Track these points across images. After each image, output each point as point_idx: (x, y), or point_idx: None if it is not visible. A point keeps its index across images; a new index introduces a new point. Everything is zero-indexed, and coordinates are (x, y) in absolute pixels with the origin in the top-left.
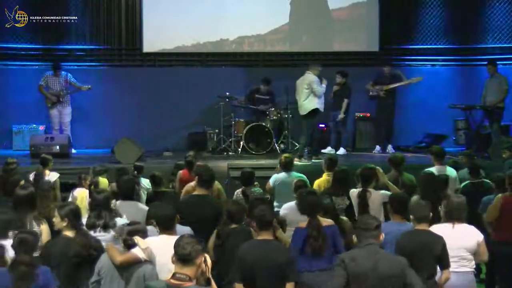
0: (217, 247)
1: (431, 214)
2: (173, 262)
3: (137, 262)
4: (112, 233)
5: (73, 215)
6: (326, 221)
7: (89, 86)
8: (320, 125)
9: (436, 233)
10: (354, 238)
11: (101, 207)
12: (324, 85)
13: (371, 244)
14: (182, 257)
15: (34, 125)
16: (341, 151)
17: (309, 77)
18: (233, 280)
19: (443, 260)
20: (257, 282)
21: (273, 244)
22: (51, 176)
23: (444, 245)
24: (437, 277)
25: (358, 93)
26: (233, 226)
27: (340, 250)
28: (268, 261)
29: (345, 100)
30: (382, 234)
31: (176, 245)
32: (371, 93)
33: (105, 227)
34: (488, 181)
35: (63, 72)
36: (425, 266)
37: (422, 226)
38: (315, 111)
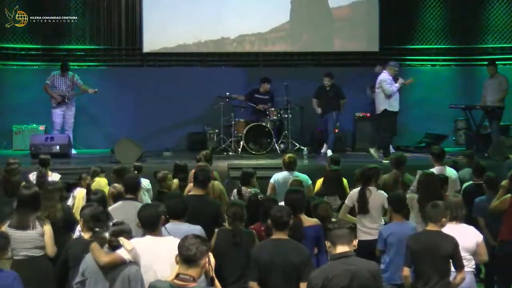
0: (231, 248)
1: (446, 216)
2: (177, 262)
3: (122, 263)
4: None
5: (90, 217)
6: (309, 221)
7: (96, 90)
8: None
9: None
10: (327, 243)
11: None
12: (397, 85)
13: (345, 257)
14: (187, 258)
15: (34, 125)
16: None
17: (382, 76)
18: (248, 278)
19: (456, 261)
20: (272, 281)
21: (289, 243)
22: (53, 177)
23: (456, 245)
24: (451, 278)
25: (358, 93)
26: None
27: (322, 250)
28: (283, 261)
29: (343, 100)
30: (355, 241)
31: (181, 246)
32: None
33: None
34: None
35: (70, 72)
36: (437, 267)
37: (433, 227)
38: (386, 111)
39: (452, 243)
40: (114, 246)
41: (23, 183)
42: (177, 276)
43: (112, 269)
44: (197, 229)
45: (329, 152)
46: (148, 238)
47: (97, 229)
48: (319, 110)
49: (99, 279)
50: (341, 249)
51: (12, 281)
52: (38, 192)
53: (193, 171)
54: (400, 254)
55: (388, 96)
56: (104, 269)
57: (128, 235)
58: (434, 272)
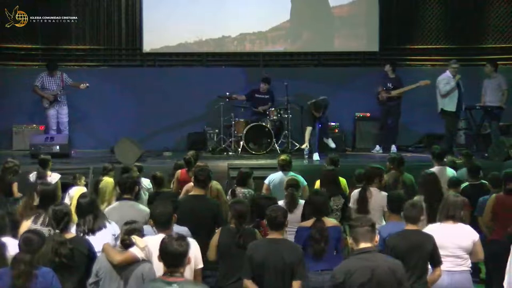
0: (235, 248)
1: (423, 216)
2: (159, 260)
3: (135, 261)
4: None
5: (53, 217)
6: (330, 222)
7: (87, 85)
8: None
9: (426, 232)
10: (349, 239)
11: (86, 211)
12: (452, 84)
13: (366, 252)
14: (170, 257)
15: (34, 125)
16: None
17: (440, 76)
18: (242, 276)
19: (434, 258)
20: (265, 279)
21: (283, 243)
22: (53, 177)
23: (434, 243)
24: (428, 275)
25: (358, 93)
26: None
27: (339, 251)
28: (278, 260)
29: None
30: (377, 236)
31: (164, 246)
32: (380, 99)
33: (92, 232)
34: (487, 182)
35: (58, 72)
36: (416, 266)
37: (412, 226)
38: (442, 111)
39: (431, 241)
40: (127, 245)
41: (16, 183)
42: (164, 274)
43: (125, 268)
44: (184, 230)
45: (331, 143)
46: (161, 236)
47: (58, 231)
48: (306, 146)
49: (113, 278)
50: (363, 245)
51: (52, 278)
52: (57, 188)
53: (179, 171)
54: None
55: (443, 96)
56: (117, 268)
57: (140, 233)
58: (415, 271)
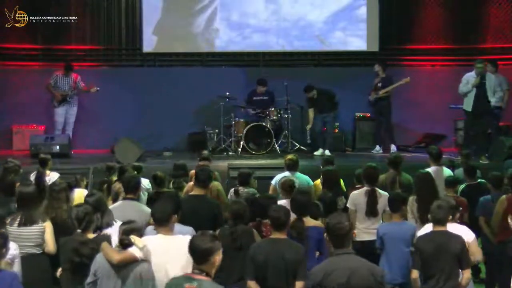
0: (232, 249)
1: (450, 216)
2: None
3: (133, 261)
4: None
5: (74, 217)
6: (313, 222)
7: (97, 88)
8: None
9: (455, 233)
10: (327, 237)
11: (94, 209)
12: (469, 85)
13: (345, 254)
14: (198, 254)
15: (34, 125)
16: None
17: (465, 75)
18: (246, 277)
19: (462, 260)
20: (269, 279)
21: (286, 242)
22: (52, 176)
23: (463, 244)
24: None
25: (358, 93)
26: (240, 226)
27: (325, 252)
28: (280, 259)
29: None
30: (355, 231)
31: (192, 243)
32: (370, 100)
33: (99, 229)
34: (484, 181)
35: (72, 73)
36: (444, 269)
37: (440, 228)
38: (464, 111)
39: (460, 242)
40: (126, 244)
41: (18, 183)
42: (192, 272)
43: (123, 267)
44: (189, 230)
45: (327, 152)
46: (160, 236)
47: (79, 231)
48: (309, 127)
49: (111, 277)
50: (342, 247)
51: (11, 281)
52: (36, 189)
53: (193, 172)
54: (389, 254)
55: (462, 96)
56: (115, 267)
57: (139, 233)
58: (442, 274)
